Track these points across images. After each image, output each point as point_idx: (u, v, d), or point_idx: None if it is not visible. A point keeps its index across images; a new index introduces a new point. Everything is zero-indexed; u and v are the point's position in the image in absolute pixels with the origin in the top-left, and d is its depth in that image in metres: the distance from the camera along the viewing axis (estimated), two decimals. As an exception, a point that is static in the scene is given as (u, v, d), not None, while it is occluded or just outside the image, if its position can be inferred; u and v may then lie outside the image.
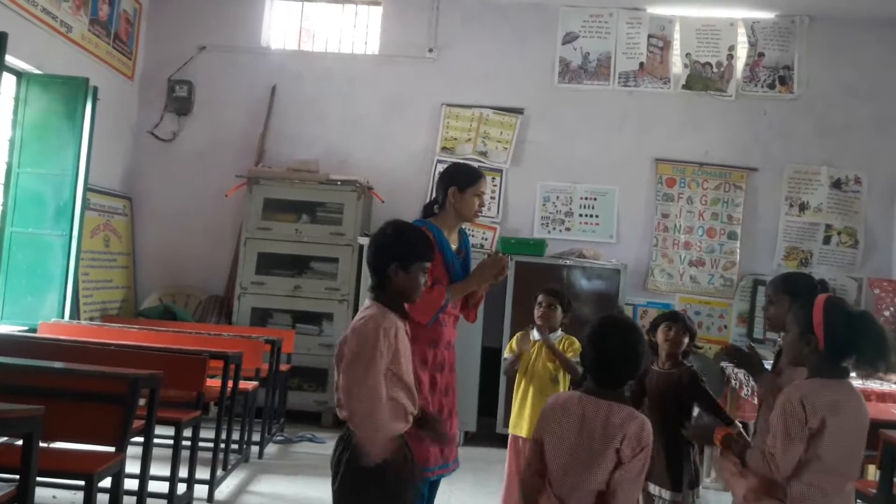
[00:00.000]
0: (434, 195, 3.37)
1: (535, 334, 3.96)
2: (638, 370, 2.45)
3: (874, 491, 3.47)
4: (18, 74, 5.34)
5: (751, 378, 4.97)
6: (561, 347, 3.83)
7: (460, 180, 3.30)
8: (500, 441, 5.36)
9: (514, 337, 4.03)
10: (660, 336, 3.58)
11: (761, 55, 6.72)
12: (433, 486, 3.22)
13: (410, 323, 2.62)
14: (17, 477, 2.62)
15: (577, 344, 3.66)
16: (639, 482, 2.32)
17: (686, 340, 3.56)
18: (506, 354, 4.07)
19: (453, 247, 3.30)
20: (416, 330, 3.09)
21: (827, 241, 6.59)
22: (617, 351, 2.37)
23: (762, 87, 6.71)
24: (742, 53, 6.75)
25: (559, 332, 3.91)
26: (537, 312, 3.96)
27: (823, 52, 6.65)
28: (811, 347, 2.35)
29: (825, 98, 6.65)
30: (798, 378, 2.49)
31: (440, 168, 6.79)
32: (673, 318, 3.64)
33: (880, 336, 2.29)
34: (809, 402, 2.28)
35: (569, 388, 3.70)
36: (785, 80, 6.69)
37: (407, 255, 2.45)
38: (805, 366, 2.44)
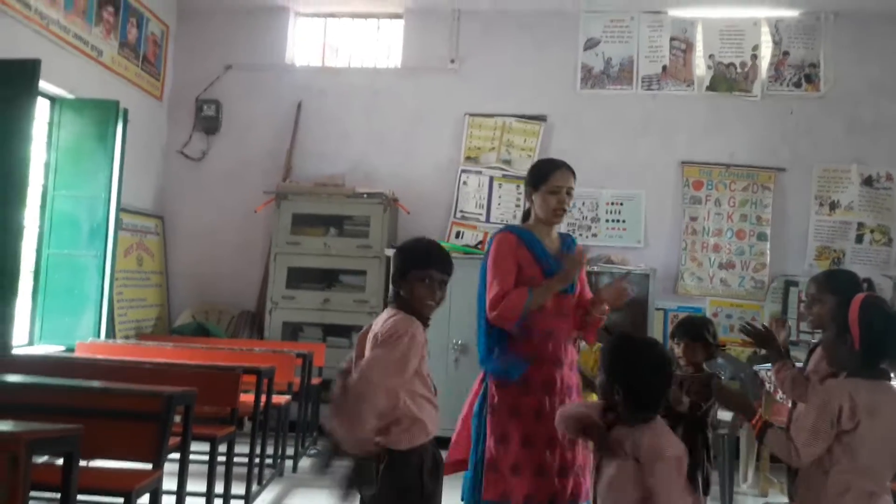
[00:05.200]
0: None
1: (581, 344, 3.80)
2: (670, 386, 2.38)
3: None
4: (52, 99, 5.47)
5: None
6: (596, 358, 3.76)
7: (533, 179, 3.08)
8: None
9: None
10: (673, 348, 3.48)
11: (786, 54, 6.66)
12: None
13: (532, 343, 2.84)
14: (59, 495, 2.67)
15: None
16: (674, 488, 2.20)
17: (697, 349, 3.36)
18: None
19: (554, 246, 3.12)
20: (541, 350, 2.99)
21: (859, 239, 6.49)
22: (649, 376, 2.25)
23: (788, 86, 6.64)
24: (766, 53, 6.68)
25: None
26: None
27: (849, 49, 6.55)
28: (847, 346, 2.34)
29: (853, 95, 6.55)
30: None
31: (464, 178, 6.82)
32: (680, 332, 3.44)
33: None
34: (848, 403, 2.27)
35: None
36: (811, 79, 6.61)
37: (402, 265, 2.55)
38: (843, 366, 2.42)
